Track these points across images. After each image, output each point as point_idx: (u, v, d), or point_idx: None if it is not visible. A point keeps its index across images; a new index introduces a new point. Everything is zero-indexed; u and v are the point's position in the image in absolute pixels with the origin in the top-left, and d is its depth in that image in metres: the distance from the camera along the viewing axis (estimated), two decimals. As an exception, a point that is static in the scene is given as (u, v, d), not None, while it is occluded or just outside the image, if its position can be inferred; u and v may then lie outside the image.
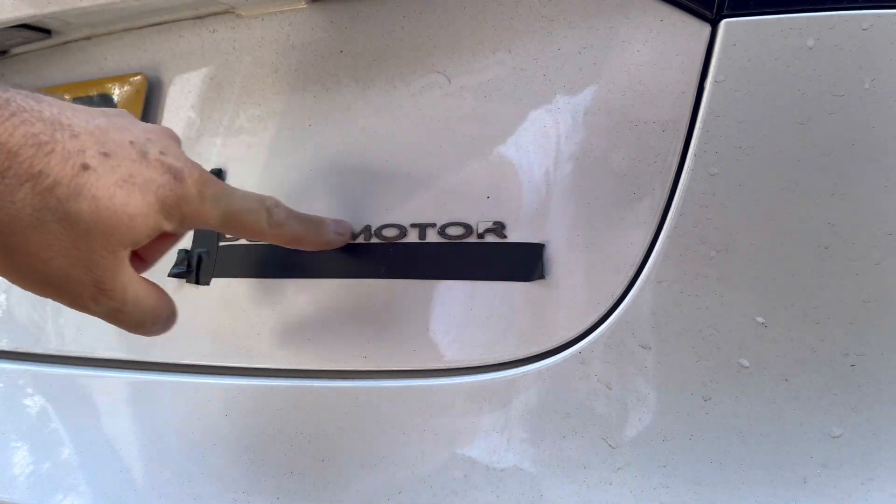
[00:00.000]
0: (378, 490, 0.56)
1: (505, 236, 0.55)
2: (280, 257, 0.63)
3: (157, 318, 0.50)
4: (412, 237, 0.58)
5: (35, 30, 0.76)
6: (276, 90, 0.66)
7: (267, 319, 0.63)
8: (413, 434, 0.57)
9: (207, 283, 0.66)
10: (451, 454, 0.55)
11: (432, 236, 0.58)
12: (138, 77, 0.73)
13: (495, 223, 0.55)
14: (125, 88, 0.74)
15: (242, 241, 0.65)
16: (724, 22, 0.50)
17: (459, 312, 0.56)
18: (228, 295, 0.65)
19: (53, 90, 0.79)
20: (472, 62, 0.58)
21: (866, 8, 0.48)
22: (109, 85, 0.75)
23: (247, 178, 0.66)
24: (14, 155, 0.42)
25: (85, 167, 0.44)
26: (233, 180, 0.67)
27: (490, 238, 0.56)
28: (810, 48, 0.48)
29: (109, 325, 0.49)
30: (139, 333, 0.51)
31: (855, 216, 0.48)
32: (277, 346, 0.63)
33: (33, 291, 0.46)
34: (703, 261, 0.50)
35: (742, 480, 0.49)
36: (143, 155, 0.47)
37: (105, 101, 0.75)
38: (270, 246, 0.62)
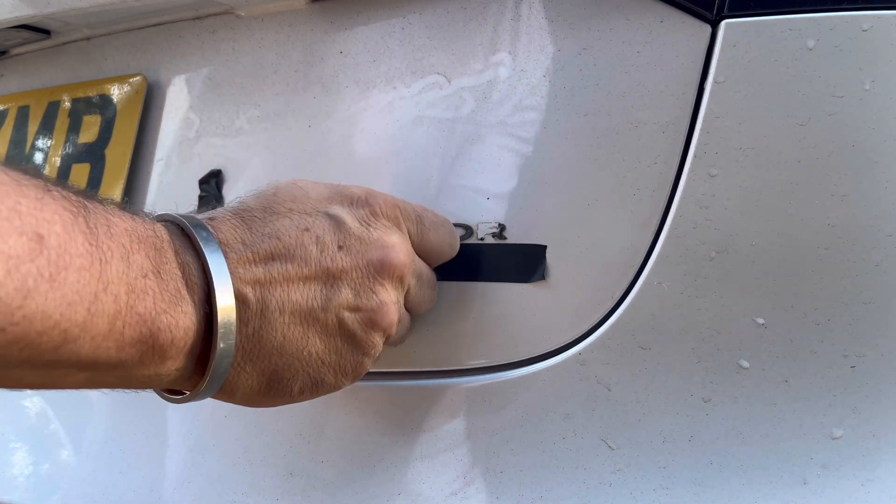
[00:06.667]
0: (377, 491, 0.56)
1: (505, 238, 0.55)
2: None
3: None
4: (412, 238, 0.58)
5: (35, 30, 0.76)
6: (276, 91, 0.66)
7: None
8: (413, 435, 0.56)
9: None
10: (451, 455, 0.55)
11: (432, 237, 0.57)
12: (138, 77, 0.73)
13: (496, 224, 0.55)
14: (125, 89, 0.74)
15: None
16: (724, 23, 0.50)
17: (459, 314, 0.56)
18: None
19: (53, 91, 0.79)
20: (473, 63, 0.58)
21: (866, 9, 0.48)
22: (109, 86, 0.75)
23: (246, 179, 0.66)
24: None
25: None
26: (232, 181, 0.67)
27: (490, 239, 0.55)
28: (810, 49, 0.48)
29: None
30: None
31: (855, 217, 0.48)
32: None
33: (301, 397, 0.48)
34: (703, 262, 0.50)
35: (742, 482, 0.49)
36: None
37: (105, 101, 0.75)
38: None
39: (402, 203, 0.50)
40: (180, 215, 0.44)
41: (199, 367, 0.42)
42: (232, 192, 0.66)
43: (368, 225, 0.47)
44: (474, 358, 0.56)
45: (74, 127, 0.76)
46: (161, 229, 0.42)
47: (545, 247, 0.53)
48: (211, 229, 0.43)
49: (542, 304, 0.54)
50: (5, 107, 0.82)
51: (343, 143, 0.62)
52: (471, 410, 0.55)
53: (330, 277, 0.45)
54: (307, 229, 0.45)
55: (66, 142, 0.76)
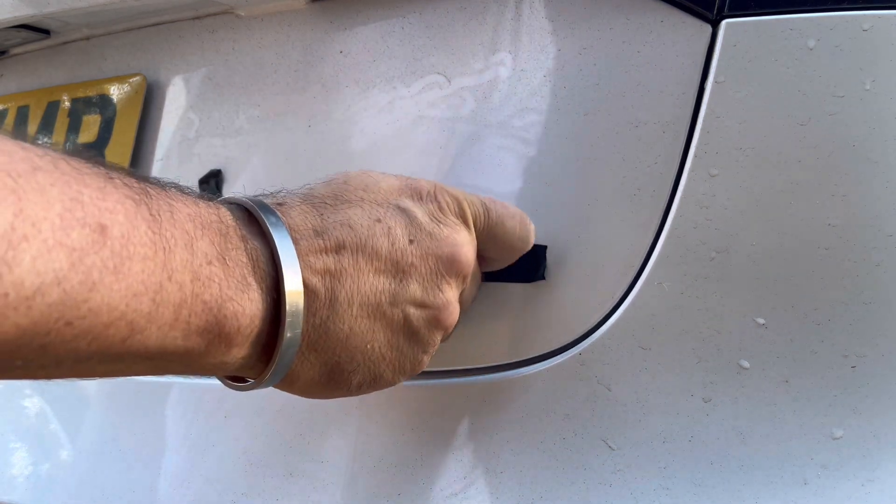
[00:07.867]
0: (377, 492, 0.56)
1: (505, 237, 0.55)
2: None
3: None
4: (412, 238, 0.58)
5: (34, 30, 0.76)
6: (276, 90, 0.66)
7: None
8: (413, 435, 0.56)
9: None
10: (451, 455, 0.55)
11: (432, 237, 0.57)
12: (137, 77, 0.73)
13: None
14: (124, 89, 0.74)
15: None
16: (724, 22, 0.50)
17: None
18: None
19: (53, 91, 0.79)
20: (473, 63, 0.58)
21: (867, 9, 0.48)
22: (109, 85, 0.75)
23: (245, 179, 0.66)
24: None
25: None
26: (231, 181, 0.67)
27: (490, 239, 0.55)
28: (811, 49, 0.48)
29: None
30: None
31: (855, 217, 0.48)
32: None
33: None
34: (704, 262, 0.50)
35: (742, 482, 0.49)
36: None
37: (104, 101, 0.75)
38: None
39: (469, 197, 0.49)
40: (248, 198, 0.43)
41: (265, 356, 0.42)
42: (232, 193, 0.66)
43: (439, 221, 0.46)
44: (474, 358, 0.56)
45: (74, 127, 0.76)
46: (226, 214, 0.40)
47: (545, 247, 0.53)
48: (280, 215, 0.42)
49: (542, 304, 0.54)
50: (5, 107, 0.82)
51: (343, 143, 0.62)
52: (471, 410, 0.55)
53: (399, 272, 0.44)
54: (379, 220, 0.45)
55: (65, 142, 0.76)
